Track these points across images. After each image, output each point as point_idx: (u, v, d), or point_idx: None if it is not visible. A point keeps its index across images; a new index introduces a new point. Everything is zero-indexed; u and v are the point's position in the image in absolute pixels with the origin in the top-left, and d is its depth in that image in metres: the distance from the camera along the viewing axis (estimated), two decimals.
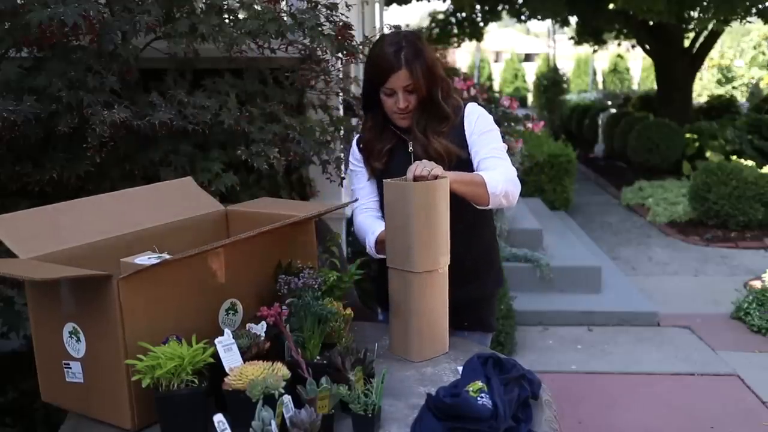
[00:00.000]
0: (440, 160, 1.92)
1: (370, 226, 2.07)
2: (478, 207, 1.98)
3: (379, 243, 2.00)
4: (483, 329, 2.20)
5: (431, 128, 2.02)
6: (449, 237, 1.83)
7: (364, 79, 2.07)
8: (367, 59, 2.05)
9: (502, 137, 2.16)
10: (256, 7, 2.51)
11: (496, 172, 1.96)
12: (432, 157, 1.94)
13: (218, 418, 1.33)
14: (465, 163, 2.03)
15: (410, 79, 1.95)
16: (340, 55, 2.69)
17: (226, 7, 2.52)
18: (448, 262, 1.84)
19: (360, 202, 2.18)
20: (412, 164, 1.81)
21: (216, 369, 1.47)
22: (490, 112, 2.18)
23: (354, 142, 2.21)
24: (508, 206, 2.02)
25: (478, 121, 2.06)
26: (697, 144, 9.69)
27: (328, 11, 2.63)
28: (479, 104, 2.17)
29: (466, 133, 2.06)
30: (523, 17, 13.12)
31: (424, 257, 1.79)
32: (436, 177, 1.78)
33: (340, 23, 2.63)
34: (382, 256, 1.99)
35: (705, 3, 8.96)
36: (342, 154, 3.05)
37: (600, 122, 13.17)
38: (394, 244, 1.84)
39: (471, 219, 2.09)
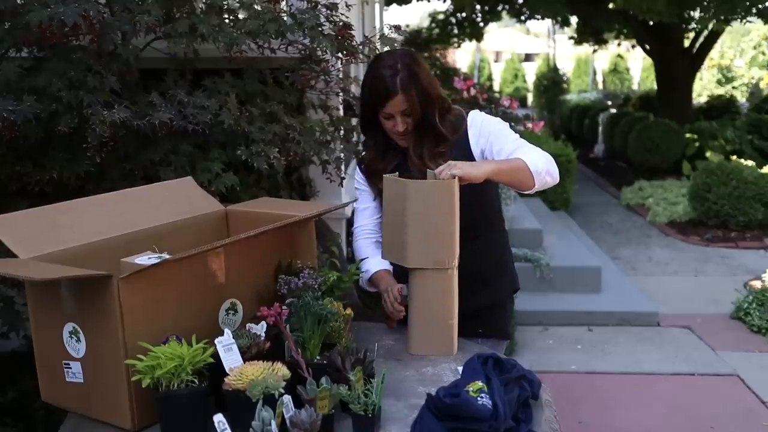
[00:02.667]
0: None
1: (368, 257, 2.09)
2: (523, 192, 1.97)
3: (371, 282, 2.06)
4: (497, 336, 2.19)
5: (428, 151, 2.01)
6: (456, 239, 1.82)
7: (362, 101, 2.06)
8: (364, 81, 2.04)
9: None
10: (256, 7, 2.50)
11: (532, 153, 1.93)
12: None
13: (218, 418, 1.33)
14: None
15: (406, 103, 1.94)
16: (340, 55, 2.69)
17: (226, 7, 2.52)
18: (454, 264, 1.83)
19: (360, 224, 2.17)
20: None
21: (216, 369, 1.47)
22: (491, 113, 2.18)
23: (357, 162, 2.21)
24: (553, 184, 1.98)
25: (483, 127, 2.04)
26: (697, 144, 9.68)
27: (328, 11, 2.63)
28: (481, 109, 2.15)
29: (471, 144, 2.03)
30: (523, 17, 13.11)
31: (417, 254, 1.81)
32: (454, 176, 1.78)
33: (340, 23, 2.63)
34: (373, 289, 2.07)
35: (705, 3, 8.96)
36: (342, 155, 3.05)
37: (600, 122, 13.16)
38: (391, 237, 1.88)
39: (482, 225, 2.09)
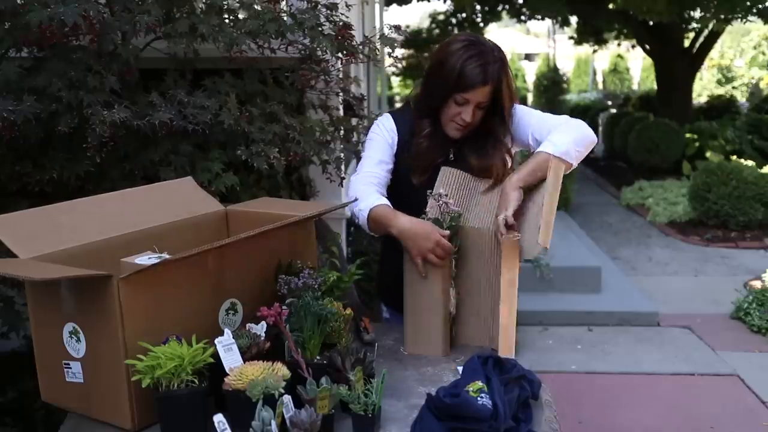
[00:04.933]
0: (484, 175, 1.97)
1: (369, 195, 1.93)
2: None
3: (372, 218, 1.88)
4: None
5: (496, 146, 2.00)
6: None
7: (435, 82, 1.95)
8: (446, 62, 1.90)
9: None
10: (256, 7, 2.51)
11: (555, 134, 1.91)
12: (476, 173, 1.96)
13: (218, 418, 1.33)
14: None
15: (489, 95, 1.91)
16: (340, 55, 2.69)
17: (226, 7, 2.52)
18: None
19: (370, 170, 2.01)
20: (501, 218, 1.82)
21: (216, 369, 1.47)
22: None
23: (389, 117, 2.08)
24: (591, 147, 1.98)
25: (519, 120, 2.04)
26: (697, 144, 9.69)
27: (328, 11, 2.63)
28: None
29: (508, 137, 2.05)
30: (523, 17, 13.13)
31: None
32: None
33: (340, 23, 2.63)
34: (366, 230, 1.95)
35: (705, 2, 8.96)
36: (342, 154, 3.05)
37: (600, 122, 13.17)
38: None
39: None
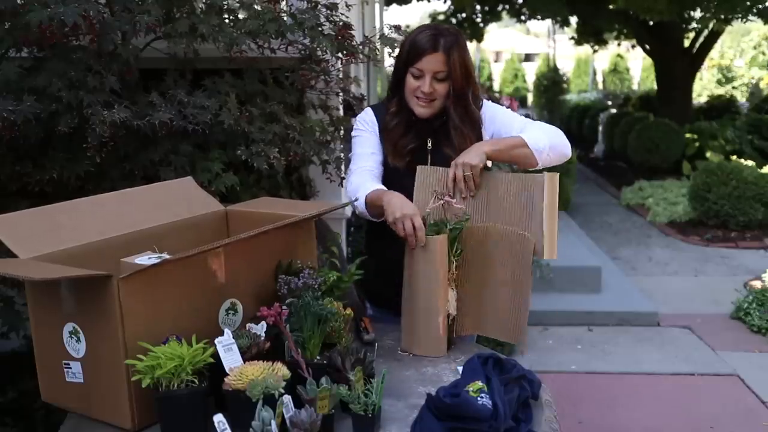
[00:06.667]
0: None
1: (364, 183, 2.00)
2: (530, 170, 1.98)
3: (369, 202, 1.94)
4: None
5: (460, 133, 2.02)
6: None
7: (396, 61, 2.06)
8: (403, 43, 2.04)
9: None
10: (256, 7, 2.51)
11: (533, 131, 1.96)
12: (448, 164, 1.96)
13: (218, 418, 1.33)
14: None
15: (444, 65, 1.94)
16: (340, 55, 2.69)
17: (226, 7, 2.52)
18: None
19: (362, 165, 2.07)
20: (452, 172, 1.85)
21: (216, 369, 1.47)
22: None
23: (369, 110, 2.16)
24: (564, 159, 2.00)
25: (493, 118, 2.08)
26: (697, 144, 9.69)
27: (328, 11, 2.63)
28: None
29: (485, 136, 2.08)
30: (523, 17, 13.14)
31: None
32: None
33: (340, 23, 2.63)
34: (368, 217, 1.99)
35: (705, 2, 8.96)
36: (342, 154, 3.05)
37: (600, 122, 13.17)
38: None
39: None
